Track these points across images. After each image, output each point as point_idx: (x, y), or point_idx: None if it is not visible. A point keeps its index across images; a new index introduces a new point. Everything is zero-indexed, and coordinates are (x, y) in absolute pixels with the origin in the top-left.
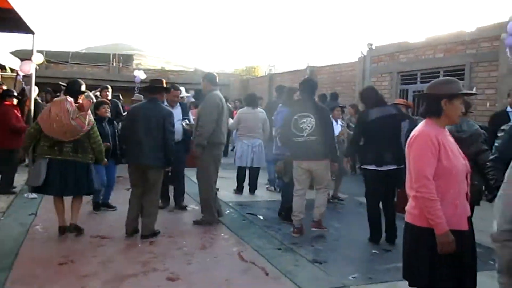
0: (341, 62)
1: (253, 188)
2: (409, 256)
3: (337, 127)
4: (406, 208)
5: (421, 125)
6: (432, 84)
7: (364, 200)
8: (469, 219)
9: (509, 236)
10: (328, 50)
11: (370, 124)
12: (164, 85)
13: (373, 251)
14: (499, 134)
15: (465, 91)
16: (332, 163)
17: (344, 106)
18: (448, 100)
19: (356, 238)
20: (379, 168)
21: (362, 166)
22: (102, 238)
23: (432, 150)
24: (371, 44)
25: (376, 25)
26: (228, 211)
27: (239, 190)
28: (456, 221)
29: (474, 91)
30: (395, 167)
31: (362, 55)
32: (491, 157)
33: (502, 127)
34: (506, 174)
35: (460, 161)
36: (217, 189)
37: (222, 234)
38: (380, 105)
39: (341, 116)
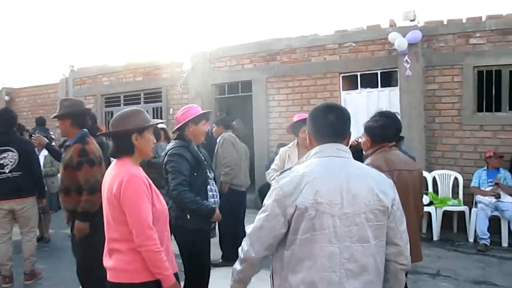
0: (42, 84)
1: None
2: None
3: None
4: (113, 266)
5: (121, 167)
6: (117, 119)
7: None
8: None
9: (263, 259)
10: (27, 70)
11: None
12: None
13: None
14: (171, 159)
15: (153, 122)
16: (40, 200)
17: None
18: (138, 134)
19: (63, 275)
20: None
21: None
22: None
23: (147, 195)
24: (73, 66)
25: (78, 45)
26: None
27: None
28: (172, 264)
29: (171, 112)
30: None
31: (64, 77)
32: (178, 180)
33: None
34: (266, 204)
35: (162, 199)
36: None
37: None
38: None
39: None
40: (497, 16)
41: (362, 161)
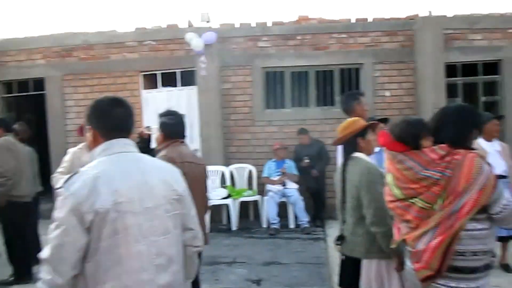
0: None
1: None
2: None
3: None
4: None
5: None
6: None
7: None
8: None
9: (72, 281)
10: None
11: None
12: None
13: None
14: None
15: None
16: None
17: None
18: None
19: None
20: None
21: None
22: None
23: None
24: None
25: None
26: None
27: None
28: None
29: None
30: None
31: None
32: None
33: None
34: (59, 218)
35: None
36: None
37: None
38: None
39: None
40: (280, 22)
41: (149, 151)
